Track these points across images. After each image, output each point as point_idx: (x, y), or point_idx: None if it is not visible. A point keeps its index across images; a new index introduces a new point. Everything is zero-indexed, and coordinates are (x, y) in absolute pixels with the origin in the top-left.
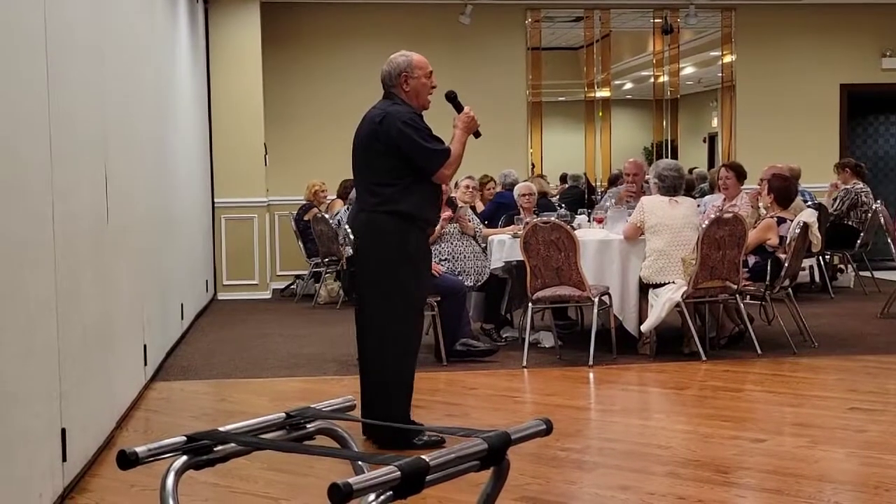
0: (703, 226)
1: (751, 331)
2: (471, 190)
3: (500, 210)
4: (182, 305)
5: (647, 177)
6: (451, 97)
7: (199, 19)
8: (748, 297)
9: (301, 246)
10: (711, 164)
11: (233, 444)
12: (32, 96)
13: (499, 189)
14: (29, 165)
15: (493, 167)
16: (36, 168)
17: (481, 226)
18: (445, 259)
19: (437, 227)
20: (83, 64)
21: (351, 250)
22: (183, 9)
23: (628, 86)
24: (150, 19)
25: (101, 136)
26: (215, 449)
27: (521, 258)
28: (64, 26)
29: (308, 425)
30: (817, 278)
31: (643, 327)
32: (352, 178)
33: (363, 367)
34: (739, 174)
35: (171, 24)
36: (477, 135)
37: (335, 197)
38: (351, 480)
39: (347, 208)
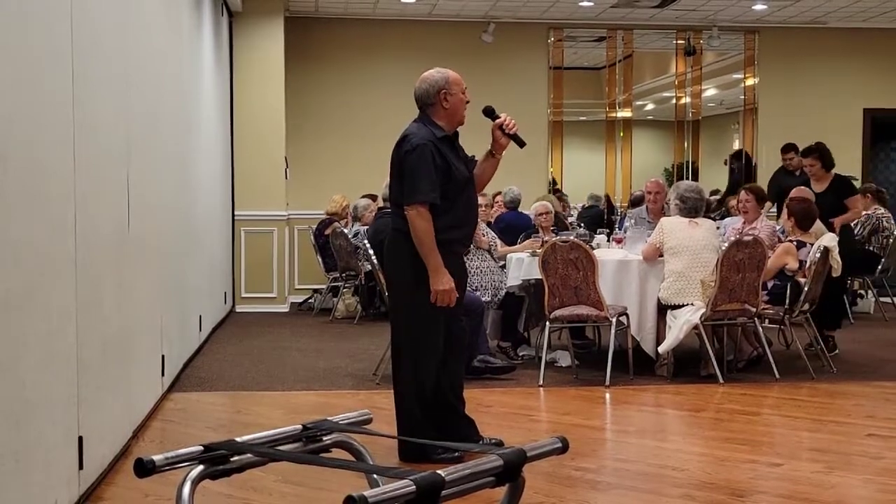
0: (723, 248)
1: (769, 354)
2: (484, 207)
3: (504, 234)
4: (200, 317)
5: (667, 197)
6: (488, 112)
7: (224, 32)
8: (767, 320)
9: (319, 260)
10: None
11: (249, 455)
12: (57, 106)
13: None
14: (52, 174)
15: (511, 185)
16: (58, 177)
17: (497, 240)
18: None
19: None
20: (108, 74)
21: (369, 266)
22: (208, 22)
23: (650, 106)
24: (176, 31)
25: (124, 146)
26: (232, 459)
27: (539, 276)
28: (90, 37)
29: (324, 438)
30: None
31: (661, 349)
32: (370, 193)
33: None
34: (760, 197)
35: (196, 37)
36: (521, 144)
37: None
38: (366, 493)
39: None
